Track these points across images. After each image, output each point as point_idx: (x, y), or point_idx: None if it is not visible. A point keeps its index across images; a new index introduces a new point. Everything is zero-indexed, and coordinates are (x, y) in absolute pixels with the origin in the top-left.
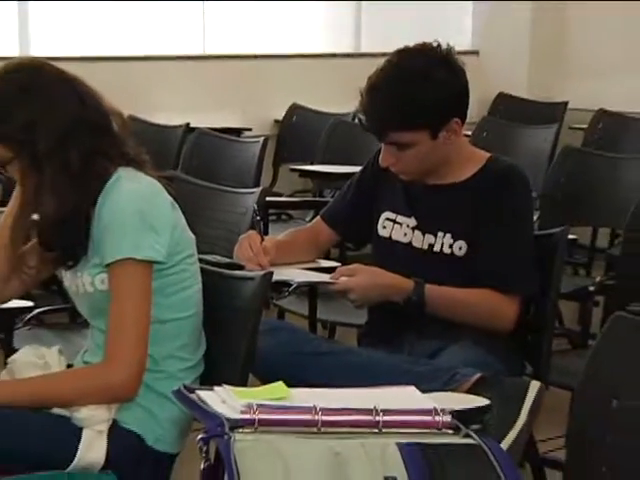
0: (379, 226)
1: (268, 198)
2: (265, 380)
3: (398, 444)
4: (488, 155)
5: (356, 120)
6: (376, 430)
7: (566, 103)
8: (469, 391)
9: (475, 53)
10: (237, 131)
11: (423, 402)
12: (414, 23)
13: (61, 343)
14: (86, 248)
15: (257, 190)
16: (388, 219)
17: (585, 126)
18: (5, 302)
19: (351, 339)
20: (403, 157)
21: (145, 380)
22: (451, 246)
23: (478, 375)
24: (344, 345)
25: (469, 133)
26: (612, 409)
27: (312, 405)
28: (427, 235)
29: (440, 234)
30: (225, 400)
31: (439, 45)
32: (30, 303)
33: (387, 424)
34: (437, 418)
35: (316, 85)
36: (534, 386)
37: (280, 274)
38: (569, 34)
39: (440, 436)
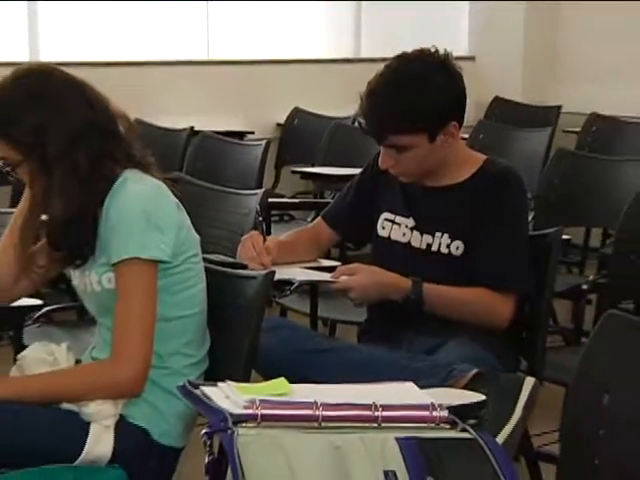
0: (378, 226)
1: (270, 199)
2: (267, 376)
3: (397, 438)
4: (484, 157)
5: (356, 123)
6: (375, 425)
7: (559, 107)
8: (466, 387)
9: (471, 59)
10: (240, 134)
11: (421, 398)
12: (412, 30)
13: (69, 340)
14: (93, 248)
15: (260, 191)
16: (387, 220)
17: (578, 129)
18: (15, 300)
19: (351, 336)
20: (402, 159)
21: (151, 376)
22: (448, 246)
23: (475, 371)
24: (344, 342)
25: (466, 136)
26: (604, 404)
27: (313, 400)
28: (425, 235)
29: (438, 234)
30: (229, 396)
31: (437, 51)
32: (39, 301)
33: (386, 419)
34: (435, 413)
35: (317, 89)
36: (529, 382)
37: (282, 273)
38: (562, 40)
39: (437, 431)
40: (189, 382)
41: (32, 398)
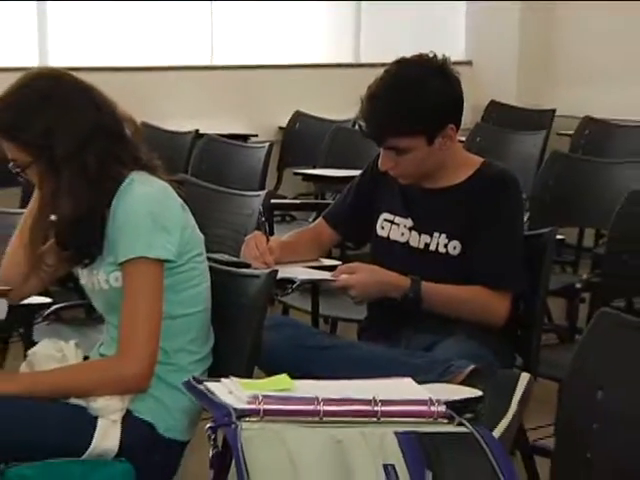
0: (378, 226)
1: (273, 200)
2: (270, 372)
3: (396, 433)
4: (481, 160)
5: (356, 126)
6: (375, 419)
7: (554, 110)
8: (463, 382)
9: (468, 63)
10: (243, 137)
11: (419, 393)
12: (411, 36)
13: (78, 337)
14: (101, 247)
15: (262, 193)
16: (386, 220)
17: (572, 132)
18: (25, 298)
19: (352, 333)
20: (401, 161)
21: (157, 372)
22: (446, 246)
23: (472, 367)
24: (345, 339)
25: (463, 139)
26: (597, 400)
27: (314, 396)
28: (423, 235)
29: (436, 234)
30: (232, 391)
31: (435, 56)
32: (48, 299)
33: (385, 414)
34: (432, 408)
35: (318, 93)
36: (524, 378)
37: (284, 272)
38: (556, 45)
39: (435, 425)
40: (194, 378)
41: (42, 393)
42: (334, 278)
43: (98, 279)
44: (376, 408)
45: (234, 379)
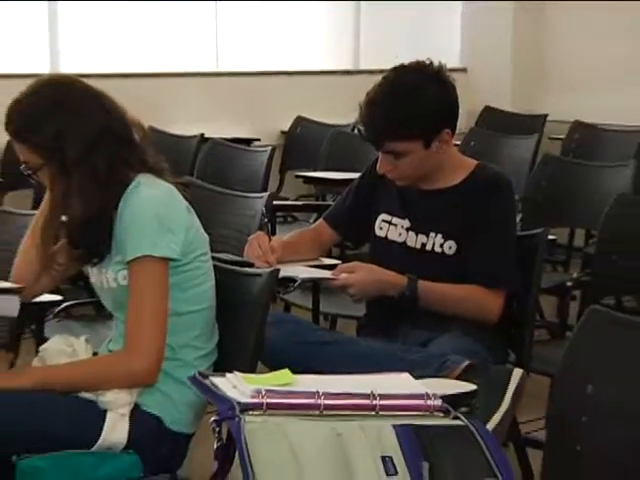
0: (376, 227)
1: (275, 202)
2: (272, 367)
3: (394, 426)
4: (476, 163)
5: (355, 131)
6: (374, 413)
7: (545, 116)
8: (458, 377)
9: (463, 70)
10: (247, 141)
11: (416, 387)
12: (408, 44)
13: (88, 333)
14: (109, 247)
15: (265, 195)
16: (384, 221)
17: (563, 136)
18: (37, 296)
19: (351, 330)
20: (399, 165)
21: (164, 367)
22: (442, 245)
23: (467, 362)
24: (345, 335)
25: (458, 143)
26: (587, 394)
27: (315, 390)
28: (420, 235)
29: (432, 234)
30: (236, 385)
31: (431, 63)
32: (59, 297)
33: (384, 407)
34: (429, 402)
35: (319, 99)
36: (517, 373)
37: (286, 271)
38: (548, 53)
39: (432, 418)
40: (199, 373)
41: (54, 387)
42: (334, 277)
43: (107, 277)
44: (375, 402)
45: (238, 374)
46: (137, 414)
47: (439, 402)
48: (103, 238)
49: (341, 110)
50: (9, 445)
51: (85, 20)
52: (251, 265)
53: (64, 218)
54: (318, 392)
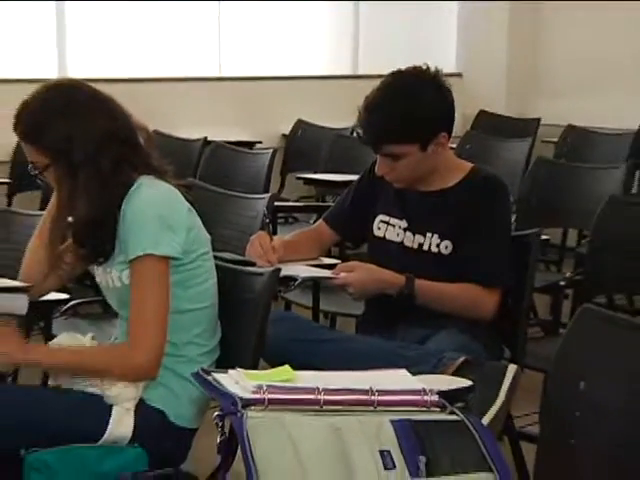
0: (374, 227)
1: (276, 203)
2: (273, 364)
3: (391, 421)
4: (471, 165)
5: (354, 134)
6: (372, 408)
7: (539, 119)
8: (455, 373)
9: (459, 75)
10: (249, 144)
11: (413, 383)
12: (406, 49)
13: (94, 331)
14: (114, 246)
15: (266, 196)
16: (382, 221)
17: (556, 140)
18: (44, 295)
19: (350, 328)
20: (397, 167)
21: (168, 363)
22: (438, 245)
23: (463, 358)
24: (344, 333)
25: (454, 146)
26: (579, 390)
27: (315, 386)
28: (417, 235)
29: (429, 235)
30: (238, 381)
31: (428, 68)
32: (66, 295)
33: (382, 403)
34: (426, 397)
35: (319, 103)
36: (511, 369)
37: (287, 270)
38: (541, 60)
39: (428, 413)
40: (202, 369)
41: (58, 365)
42: (334, 276)
43: (112, 277)
44: (373, 398)
45: (240, 370)
46: (142, 409)
47: (436, 397)
48: (108, 237)
49: (340, 114)
50: (17, 439)
51: (92, 26)
52: (253, 264)
53: (70, 219)
54: (318, 388)
